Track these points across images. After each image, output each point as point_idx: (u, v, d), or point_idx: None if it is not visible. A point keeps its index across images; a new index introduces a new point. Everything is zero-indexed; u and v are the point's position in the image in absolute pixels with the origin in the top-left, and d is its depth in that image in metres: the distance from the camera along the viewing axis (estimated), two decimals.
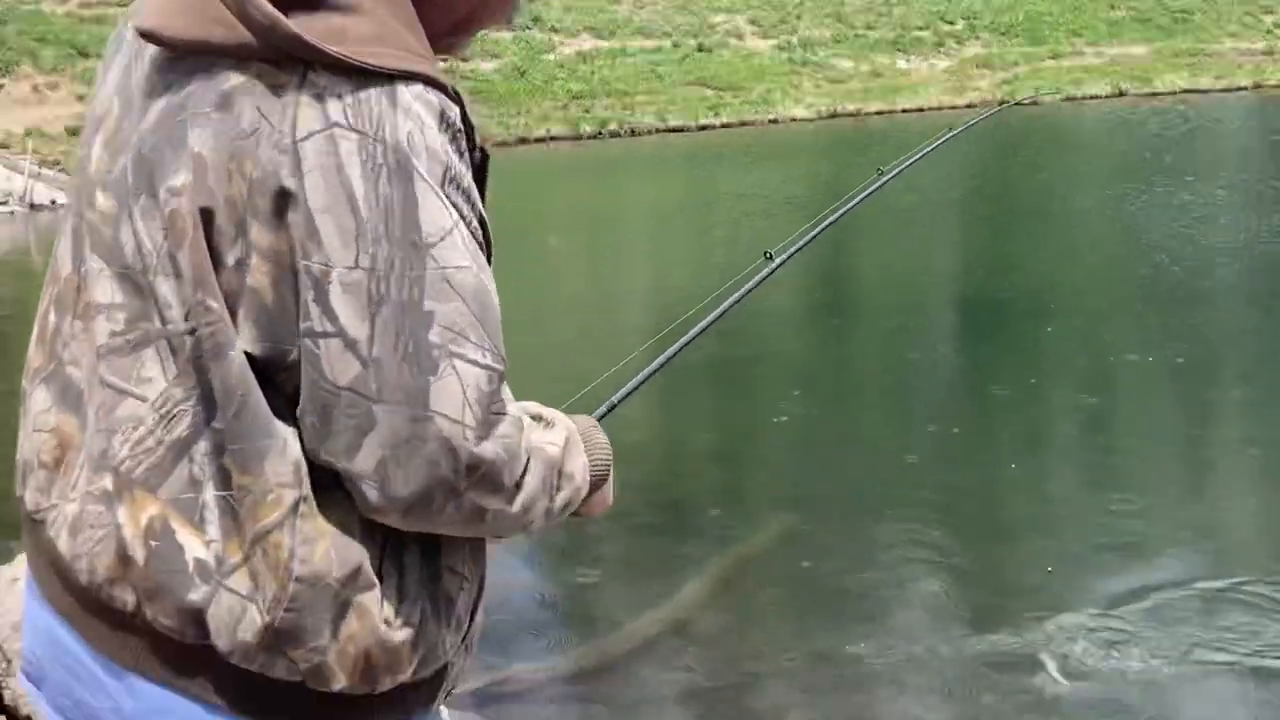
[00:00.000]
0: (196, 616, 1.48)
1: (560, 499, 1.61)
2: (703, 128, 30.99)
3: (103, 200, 1.55)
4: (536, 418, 1.66)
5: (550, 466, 1.58)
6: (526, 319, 12.24)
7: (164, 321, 1.50)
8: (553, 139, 29.26)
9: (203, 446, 1.48)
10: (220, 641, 1.48)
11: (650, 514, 7.16)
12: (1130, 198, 18.51)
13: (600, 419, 2.04)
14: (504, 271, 1.57)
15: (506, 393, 1.52)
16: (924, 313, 12.40)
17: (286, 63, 1.45)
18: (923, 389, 9.83)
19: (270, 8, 1.43)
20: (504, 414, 1.49)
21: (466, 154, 1.52)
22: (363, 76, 1.44)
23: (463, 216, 1.49)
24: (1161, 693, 5.06)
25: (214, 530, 1.48)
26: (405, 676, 1.55)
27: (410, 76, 1.46)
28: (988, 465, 7.83)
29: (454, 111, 1.49)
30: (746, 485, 7.65)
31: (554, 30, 36.03)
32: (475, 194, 1.53)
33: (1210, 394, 9.25)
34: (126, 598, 1.50)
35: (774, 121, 32.07)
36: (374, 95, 1.44)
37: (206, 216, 1.46)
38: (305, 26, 1.44)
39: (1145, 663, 5.19)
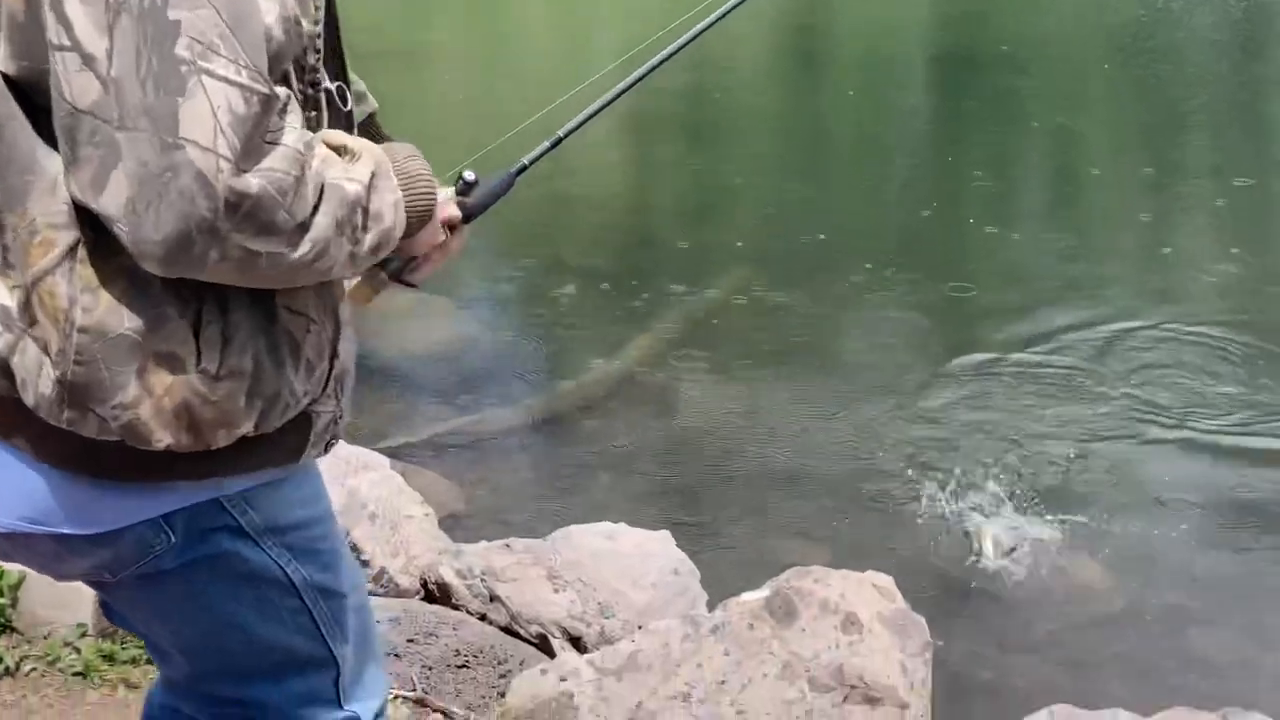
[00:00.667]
0: (5, 368, 1.37)
1: (368, 241, 1.44)
2: None
3: None
4: (340, 149, 1.45)
5: (350, 205, 1.40)
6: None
7: None
8: None
9: None
10: (26, 395, 1.37)
11: (607, 264, 7.01)
12: None
13: (547, 152, 1.88)
14: None
15: (291, 121, 1.34)
16: (894, 66, 12.03)
17: None
18: (891, 145, 9.57)
19: None
20: (276, 144, 1.32)
21: None
22: None
23: None
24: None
25: (16, 275, 1.36)
26: (246, 429, 1.43)
27: None
28: (955, 219, 7.66)
29: None
30: (706, 239, 7.45)
31: None
32: None
33: (1177, 142, 9.10)
34: None
35: None
36: None
37: None
38: None
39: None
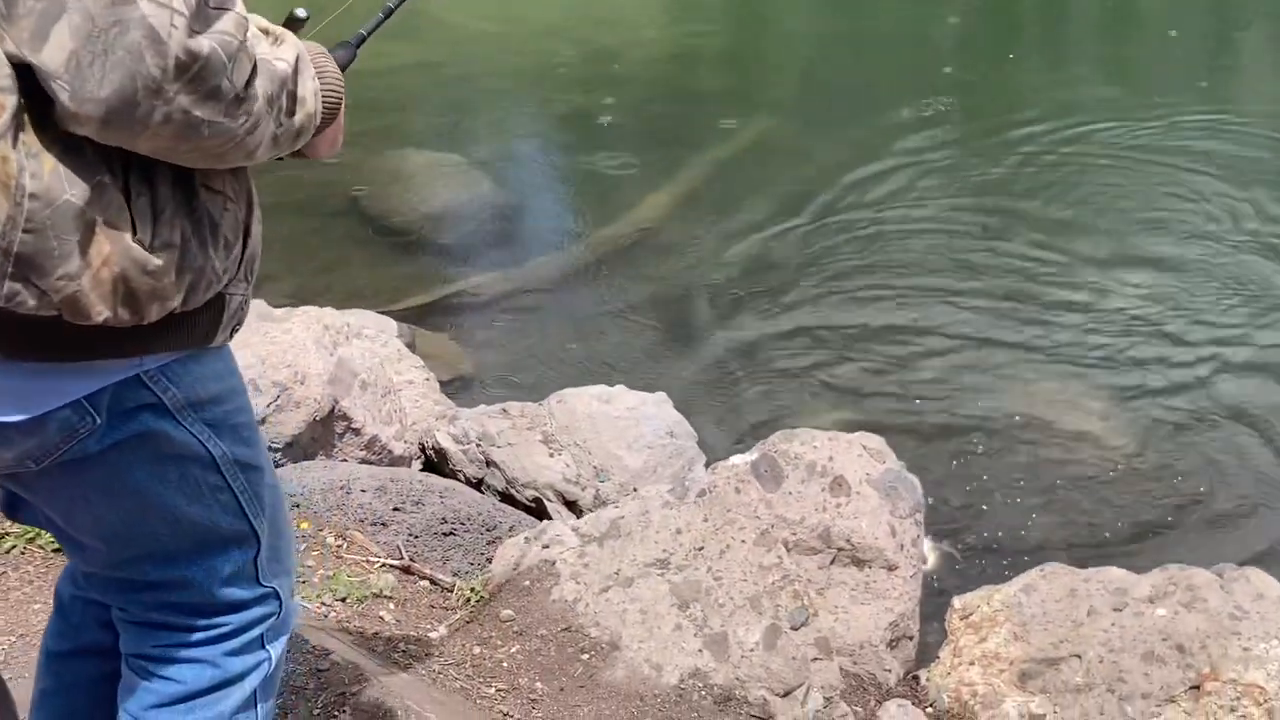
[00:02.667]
0: None
1: (293, 125, 1.41)
2: None
3: None
4: (264, 31, 1.41)
5: (280, 84, 1.37)
6: None
7: None
8: None
9: None
10: None
11: (616, 116, 6.87)
12: None
13: (381, 23, 1.83)
14: None
15: None
16: None
17: None
18: None
19: None
20: (225, 9, 1.27)
21: None
22: None
23: None
24: None
25: None
26: (175, 304, 1.41)
27: None
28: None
29: None
30: (721, 89, 7.27)
31: None
32: None
33: None
34: None
35: None
36: None
37: None
38: None
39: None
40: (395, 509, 3.12)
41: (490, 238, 5.64)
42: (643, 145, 6.45)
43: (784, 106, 6.86)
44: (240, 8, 1.31)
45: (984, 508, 3.70)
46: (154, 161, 1.35)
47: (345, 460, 3.46)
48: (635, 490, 3.29)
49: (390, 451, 3.57)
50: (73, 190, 1.29)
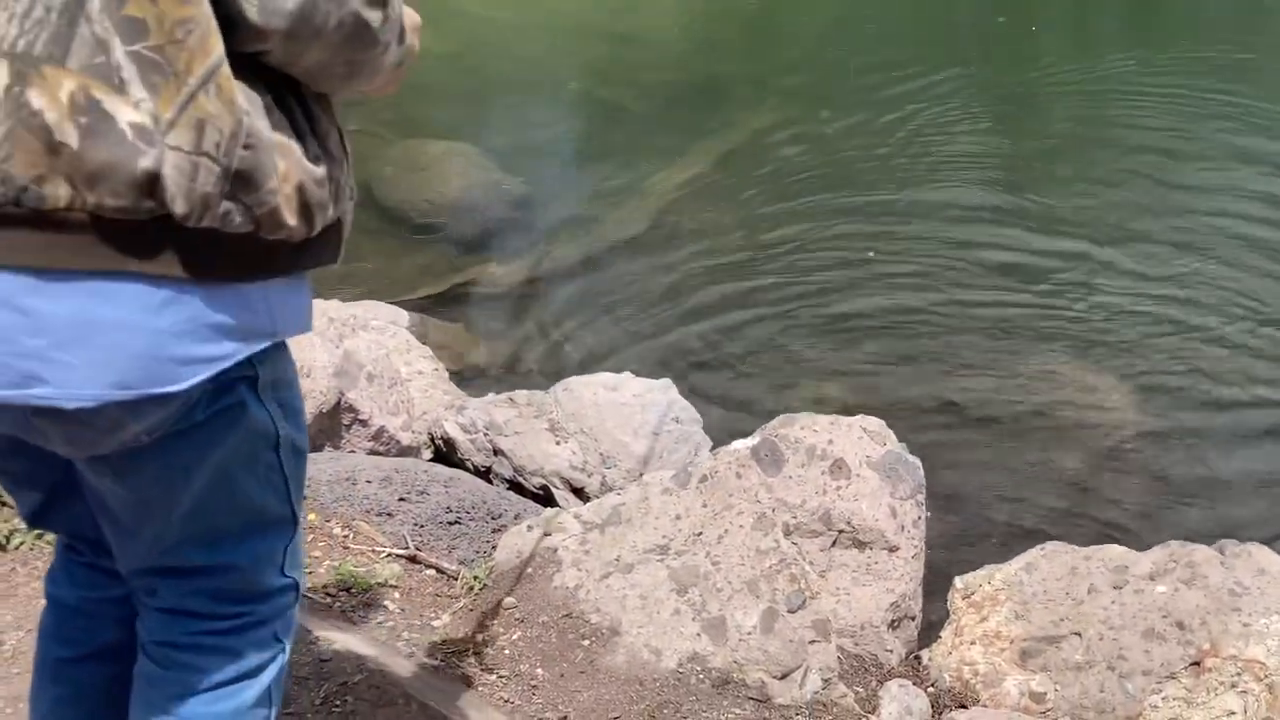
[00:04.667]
0: (149, 185, 1.31)
1: (401, 50, 1.51)
2: None
3: None
4: None
5: (399, 11, 1.47)
6: None
7: None
8: None
9: (96, 2, 1.28)
10: (178, 205, 1.33)
11: (630, 104, 6.88)
12: None
13: None
14: None
15: None
16: None
17: None
18: None
19: None
20: None
21: None
22: None
23: None
24: None
25: (138, 90, 1.30)
26: (331, 213, 1.48)
27: None
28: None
29: None
30: (734, 75, 7.25)
31: None
32: None
33: None
34: (59, 192, 1.31)
35: None
36: None
37: None
38: None
39: None
40: (401, 499, 3.15)
41: (503, 227, 5.66)
42: (656, 133, 6.46)
43: (798, 95, 6.84)
44: None
45: (986, 488, 3.70)
46: (293, 82, 1.43)
47: (353, 451, 3.49)
48: (641, 476, 3.32)
49: (398, 442, 3.61)
50: (257, 109, 1.37)
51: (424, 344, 4.23)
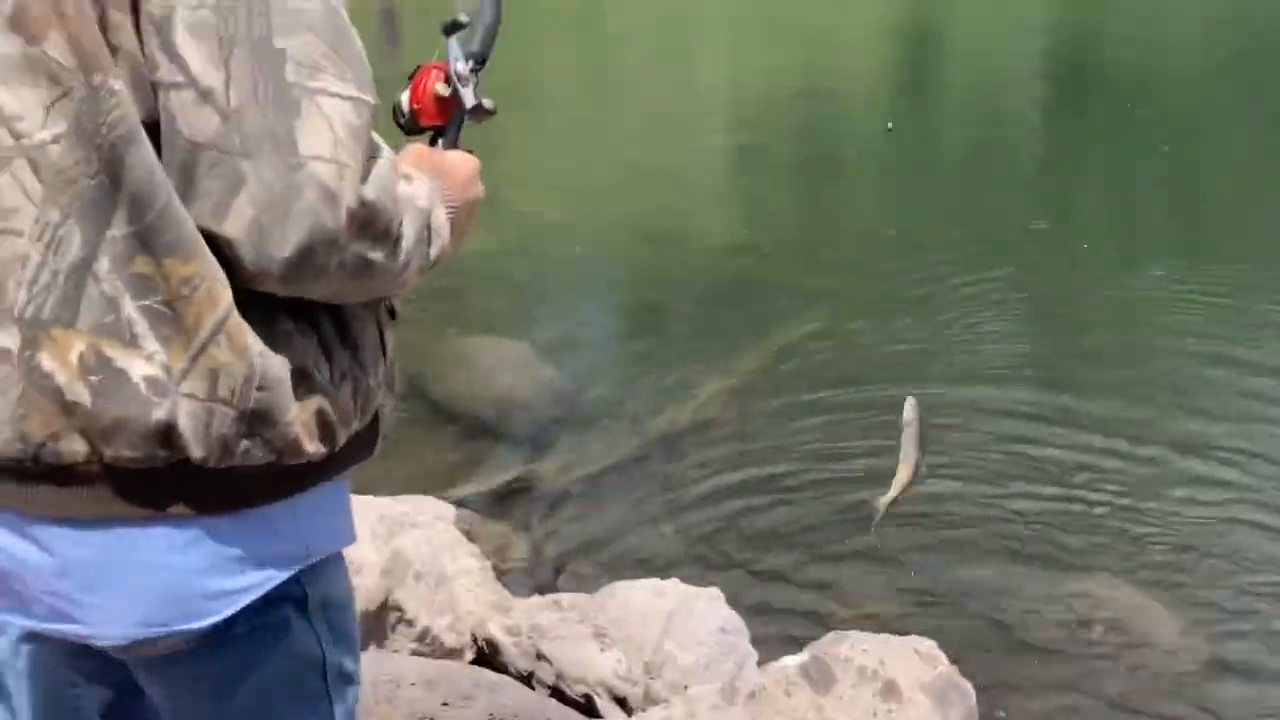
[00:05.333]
0: (165, 435, 1.35)
1: (432, 253, 1.49)
2: None
3: None
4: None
5: (423, 217, 1.46)
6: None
7: (16, 136, 1.33)
8: None
9: (104, 263, 1.34)
10: (195, 450, 1.36)
11: (679, 304, 6.99)
12: None
13: None
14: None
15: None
16: (1015, 84, 11.85)
17: None
18: (1006, 168, 9.37)
19: None
20: (378, 155, 1.38)
21: None
22: None
23: None
24: None
25: (150, 342, 1.35)
26: (357, 425, 1.49)
27: None
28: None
29: None
30: (779, 278, 7.37)
31: None
32: None
33: None
34: (76, 448, 1.36)
35: None
36: None
37: None
38: None
39: None
40: (444, 704, 3.11)
41: (550, 424, 5.71)
42: (701, 334, 6.56)
43: (840, 298, 6.95)
44: (388, 150, 1.42)
45: (1044, 715, 3.62)
46: (311, 301, 1.42)
47: (397, 651, 3.47)
48: (686, 688, 3.27)
49: (442, 643, 3.58)
50: (275, 341, 1.39)
51: (471, 541, 4.22)
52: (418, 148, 1.65)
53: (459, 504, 4.60)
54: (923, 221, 8.35)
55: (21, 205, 1.34)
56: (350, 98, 1.34)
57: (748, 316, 6.72)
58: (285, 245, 1.30)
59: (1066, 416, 5.41)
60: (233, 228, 1.31)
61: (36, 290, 1.34)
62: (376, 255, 1.37)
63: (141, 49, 1.32)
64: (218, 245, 1.34)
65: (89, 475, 1.37)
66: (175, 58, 1.30)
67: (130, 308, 1.34)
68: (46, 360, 1.34)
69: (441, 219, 1.51)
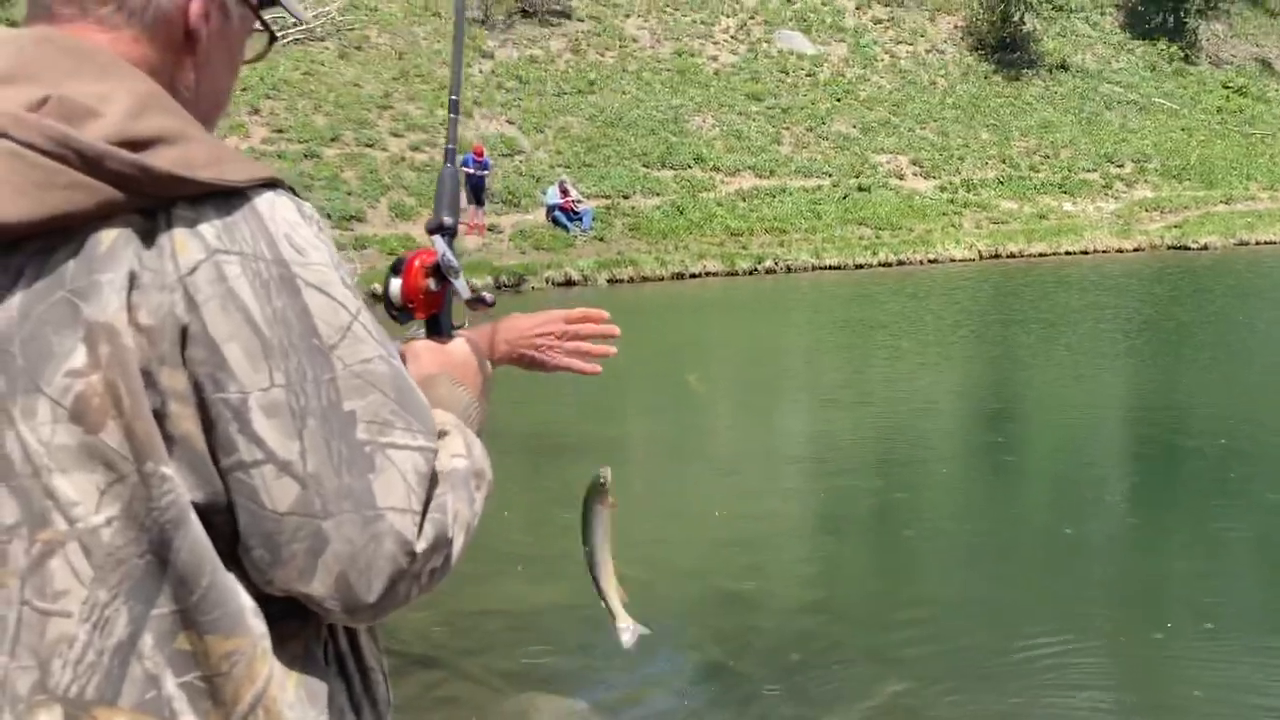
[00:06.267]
0: None
1: (480, 499, 1.59)
2: (859, 266, 30.49)
3: None
4: None
5: (466, 481, 1.55)
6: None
7: (71, 521, 1.39)
8: (708, 275, 29.16)
9: (148, 640, 1.39)
10: None
11: (749, 665, 6.84)
12: None
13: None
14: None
15: None
16: (1098, 454, 11.87)
17: (150, 204, 1.40)
18: (1094, 541, 9.26)
19: (131, 154, 1.37)
20: (437, 483, 1.49)
21: (328, 236, 1.51)
22: (222, 198, 1.42)
23: (353, 305, 1.46)
24: None
25: (189, 717, 1.40)
26: None
27: (257, 185, 1.45)
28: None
29: (305, 204, 1.49)
30: (854, 640, 7.23)
31: (715, 169, 36.25)
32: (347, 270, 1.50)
33: None
34: None
35: (933, 261, 31.30)
36: (239, 214, 1.43)
37: (124, 384, 1.37)
38: (161, 163, 1.40)
39: None
40: None
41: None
42: (767, 700, 6.37)
43: (916, 666, 6.77)
44: (432, 459, 1.50)
45: None
46: (341, 660, 1.53)
47: None
48: None
49: None
50: (312, 708, 1.46)
51: None
52: (427, 346, 1.85)
53: None
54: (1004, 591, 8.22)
55: (72, 588, 1.39)
56: (419, 448, 1.46)
57: (819, 685, 6.56)
58: (371, 592, 1.41)
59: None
60: (320, 586, 1.40)
61: (82, 669, 1.38)
62: (438, 561, 1.48)
63: (208, 436, 1.41)
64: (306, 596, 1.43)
65: None
66: (253, 438, 1.39)
67: (171, 684, 1.39)
68: None
69: (478, 455, 1.61)
